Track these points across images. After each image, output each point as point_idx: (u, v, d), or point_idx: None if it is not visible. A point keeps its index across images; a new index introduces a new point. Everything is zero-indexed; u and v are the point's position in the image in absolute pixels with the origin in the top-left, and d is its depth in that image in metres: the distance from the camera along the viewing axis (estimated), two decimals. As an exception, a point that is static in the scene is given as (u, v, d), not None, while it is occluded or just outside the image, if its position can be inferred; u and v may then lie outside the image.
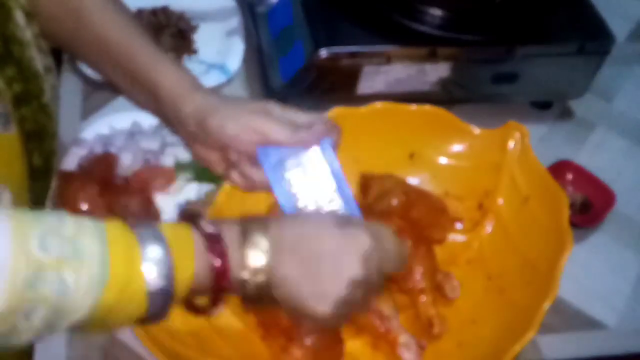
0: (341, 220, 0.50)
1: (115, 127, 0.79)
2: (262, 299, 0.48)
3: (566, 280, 0.60)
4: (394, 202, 0.69)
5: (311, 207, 0.56)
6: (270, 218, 0.50)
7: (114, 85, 0.61)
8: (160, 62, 0.58)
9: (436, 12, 0.78)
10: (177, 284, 0.44)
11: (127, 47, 0.58)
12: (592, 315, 0.74)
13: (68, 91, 0.85)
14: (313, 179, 0.57)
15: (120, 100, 0.85)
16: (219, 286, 0.46)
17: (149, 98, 0.59)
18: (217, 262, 0.45)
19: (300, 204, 0.57)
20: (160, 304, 0.43)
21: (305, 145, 0.56)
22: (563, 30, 0.84)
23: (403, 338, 0.63)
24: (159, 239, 0.43)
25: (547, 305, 0.58)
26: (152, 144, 0.76)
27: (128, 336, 0.66)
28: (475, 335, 0.65)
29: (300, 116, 0.57)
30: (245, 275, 0.47)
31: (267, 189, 0.58)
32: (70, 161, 0.74)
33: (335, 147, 0.57)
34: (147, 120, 0.79)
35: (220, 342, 0.62)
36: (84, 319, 0.41)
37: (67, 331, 0.42)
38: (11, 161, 0.55)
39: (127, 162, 0.75)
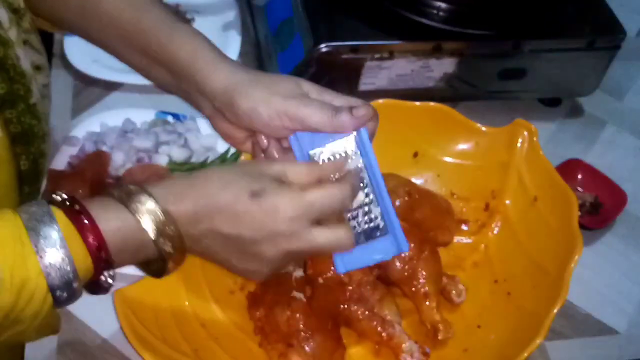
0: (255, 188, 0.48)
1: (107, 124, 0.78)
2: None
3: (575, 283, 0.59)
4: (398, 202, 0.68)
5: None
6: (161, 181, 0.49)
7: (128, 64, 0.59)
8: (175, 32, 0.55)
9: (441, 5, 0.77)
10: (77, 266, 0.43)
11: (138, 20, 0.56)
12: (603, 320, 0.73)
13: (58, 88, 0.84)
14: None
15: (113, 97, 0.84)
16: (99, 259, 0.45)
17: (166, 74, 0.56)
18: (90, 239, 0.44)
19: None
20: (66, 291, 0.43)
21: (346, 130, 0.52)
22: (572, 24, 0.83)
23: (406, 344, 0.62)
24: (52, 225, 0.43)
25: (555, 309, 0.58)
26: (146, 143, 0.75)
27: (121, 342, 0.64)
28: (481, 341, 0.64)
29: (338, 98, 0.54)
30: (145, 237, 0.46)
31: None
32: (61, 160, 0.73)
33: (372, 136, 0.54)
34: (140, 117, 0.79)
35: (217, 348, 0.61)
36: None
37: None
38: None
39: (120, 161, 0.74)
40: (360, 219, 0.54)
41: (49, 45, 0.79)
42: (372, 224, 0.54)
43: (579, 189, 0.81)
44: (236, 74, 0.53)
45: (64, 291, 0.43)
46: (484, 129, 0.71)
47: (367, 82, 0.79)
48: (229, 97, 0.53)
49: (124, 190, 0.47)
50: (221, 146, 0.76)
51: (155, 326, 0.58)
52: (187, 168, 0.74)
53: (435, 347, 0.63)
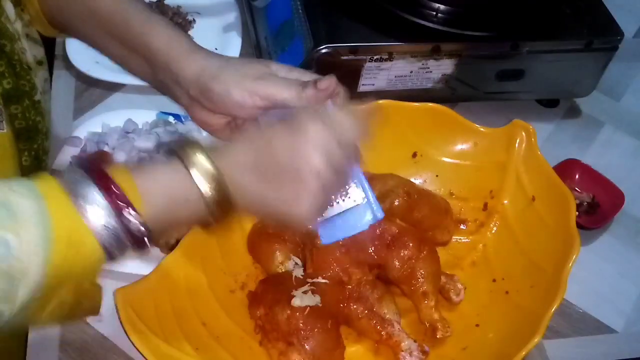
0: (282, 114, 0.50)
1: (108, 125, 0.78)
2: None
3: (573, 283, 0.59)
4: (396, 202, 0.68)
5: None
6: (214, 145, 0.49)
7: (110, 57, 0.61)
8: (152, 23, 0.57)
9: (440, 6, 0.77)
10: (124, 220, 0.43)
11: (118, 12, 0.57)
12: (600, 319, 0.73)
13: (60, 88, 0.84)
14: None
15: (114, 98, 0.84)
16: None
17: (144, 64, 0.57)
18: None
19: None
20: (114, 242, 0.43)
21: (314, 103, 0.54)
22: (570, 25, 0.83)
23: (405, 343, 0.62)
24: (88, 183, 0.42)
25: (553, 308, 0.58)
26: (147, 143, 0.75)
27: (123, 340, 0.63)
28: (479, 340, 0.64)
29: (305, 74, 0.56)
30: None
31: None
32: (63, 160, 0.73)
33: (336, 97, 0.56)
34: (142, 118, 0.78)
35: (217, 347, 0.61)
36: (41, 282, 0.40)
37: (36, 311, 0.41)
38: (3, 160, 0.54)
39: (121, 162, 0.73)
40: (340, 200, 0.56)
41: (50, 46, 0.79)
42: (351, 202, 0.55)
43: (577, 189, 0.81)
44: (209, 61, 0.55)
45: (113, 246, 0.42)
46: (482, 129, 0.71)
47: (366, 83, 0.79)
48: (202, 83, 0.54)
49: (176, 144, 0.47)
50: (222, 146, 0.76)
51: (157, 325, 0.58)
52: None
53: (434, 345, 0.63)
